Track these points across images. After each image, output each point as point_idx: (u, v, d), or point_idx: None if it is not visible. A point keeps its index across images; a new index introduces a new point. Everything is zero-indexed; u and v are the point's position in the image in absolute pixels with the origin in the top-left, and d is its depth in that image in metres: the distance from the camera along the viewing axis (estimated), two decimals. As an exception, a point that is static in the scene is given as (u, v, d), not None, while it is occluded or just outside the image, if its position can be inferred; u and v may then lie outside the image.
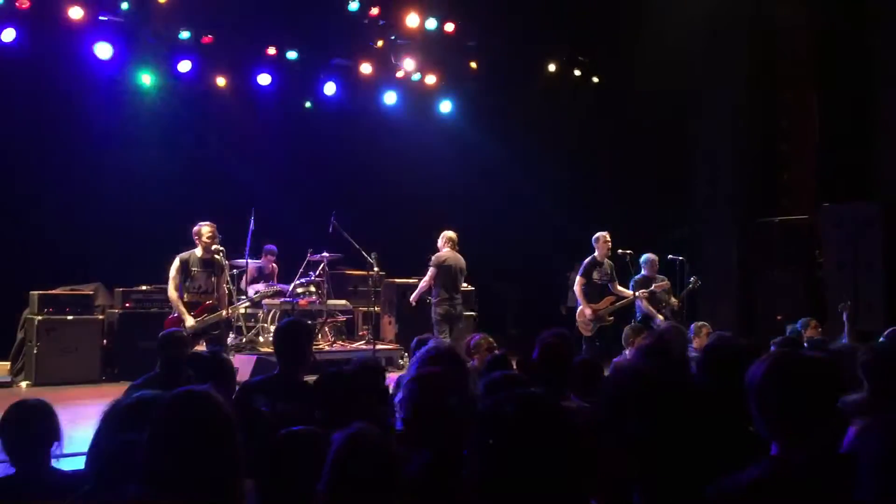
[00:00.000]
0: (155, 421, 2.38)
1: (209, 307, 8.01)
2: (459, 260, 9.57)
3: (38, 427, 3.23)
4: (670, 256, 10.18)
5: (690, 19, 12.43)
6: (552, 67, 13.74)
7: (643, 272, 9.82)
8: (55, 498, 2.94)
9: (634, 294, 9.62)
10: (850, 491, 2.18)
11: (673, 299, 9.84)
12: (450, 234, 9.62)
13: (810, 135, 12.11)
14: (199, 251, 8.06)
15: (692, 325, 8.36)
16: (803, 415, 2.35)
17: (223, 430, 2.39)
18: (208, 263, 8.08)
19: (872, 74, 11.47)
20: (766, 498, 2.24)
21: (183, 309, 7.91)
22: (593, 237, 9.90)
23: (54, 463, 3.27)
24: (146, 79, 11.19)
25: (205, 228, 8.07)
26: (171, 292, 8.03)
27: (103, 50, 10.65)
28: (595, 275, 9.77)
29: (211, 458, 2.32)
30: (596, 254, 9.82)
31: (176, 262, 8.02)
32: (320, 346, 10.43)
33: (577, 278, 9.87)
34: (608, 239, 9.84)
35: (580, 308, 9.80)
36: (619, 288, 9.85)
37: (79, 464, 3.56)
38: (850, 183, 11.37)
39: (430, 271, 9.43)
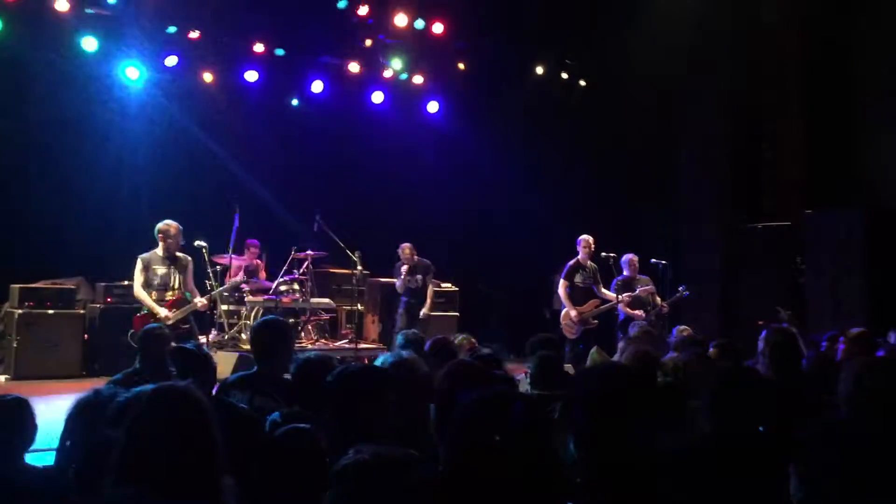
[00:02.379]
0: (134, 417, 2.36)
1: (176, 301, 7.98)
2: None
3: (13, 425, 3.20)
4: (653, 260, 10.23)
5: (676, 23, 12.46)
6: (540, 70, 13.76)
7: (624, 272, 9.87)
8: (30, 497, 2.92)
9: (618, 298, 9.66)
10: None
11: (659, 300, 9.87)
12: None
13: (795, 141, 12.18)
14: (160, 250, 8.05)
15: (674, 329, 8.40)
16: None
17: (203, 427, 2.38)
18: (171, 260, 8.07)
19: (857, 79, 11.56)
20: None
21: (152, 303, 7.88)
22: (577, 240, 9.96)
23: (28, 458, 3.25)
24: (132, 73, 11.13)
25: (171, 228, 8.05)
26: (137, 290, 8.02)
27: (89, 43, 10.59)
28: (577, 278, 9.84)
29: (190, 454, 2.31)
30: (579, 256, 9.88)
31: (138, 263, 8.03)
32: (303, 345, 10.41)
33: (561, 281, 9.93)
34: (591, 242, 9.90)
35: (564, 311, 9.85)
36: (604, 291, 9.89)
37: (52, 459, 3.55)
38: (835, 189, 11.44)
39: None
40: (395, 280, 10.61)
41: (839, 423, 2.99)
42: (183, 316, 7.98)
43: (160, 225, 8.07)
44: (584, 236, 9.97)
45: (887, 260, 10.42)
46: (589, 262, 9.92)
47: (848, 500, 2.58)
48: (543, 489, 1.88)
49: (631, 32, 12.65)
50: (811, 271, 11.16)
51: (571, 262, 9.92)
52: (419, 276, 10.50)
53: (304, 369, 4.06)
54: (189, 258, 8.29)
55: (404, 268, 10.47)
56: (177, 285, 8.03)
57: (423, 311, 10.46)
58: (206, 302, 8.43)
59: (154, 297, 7.94)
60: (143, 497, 2.18)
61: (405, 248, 10.48)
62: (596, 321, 9.71)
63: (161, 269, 8.00)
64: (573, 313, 9.72)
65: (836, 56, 11.73)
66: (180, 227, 8.11)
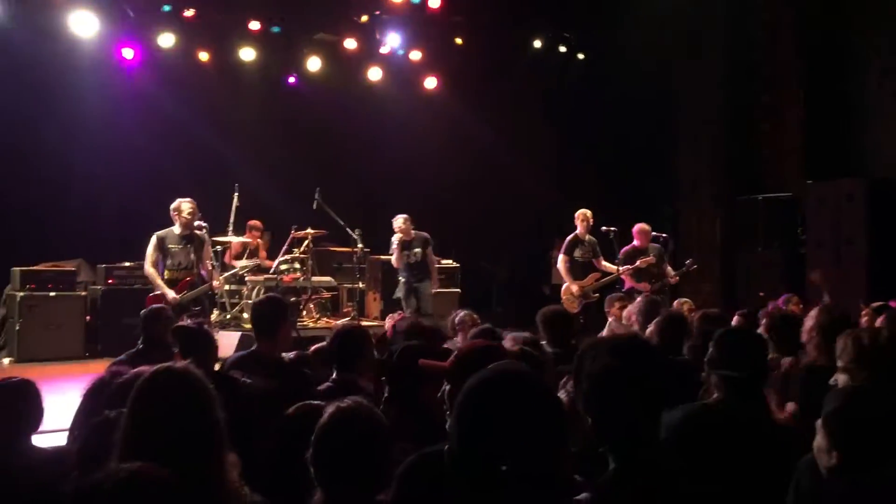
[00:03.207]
0: (135, 398, 2.38)
1: (189, 283, 7.96)
2: None
3: (21, 407, 3.20)
4: (654, 233, 10.22)
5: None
6: (538, 44, 13.68)
7: (634, 242, 9.86)
8: (37, 477, 2.93)
9: (618, 270, 9.66)
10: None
11: (670, 270, 9.84)
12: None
13: (794, 112, 12.13)
14: (177, 228, 7.97)
15: (674, 302, 8.40)
16: None
17: (204, 406, 2.40)
18: (188, 239, 7.99)
19: (857, 49, 11.49)
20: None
21: (161, 283, 7.84)
22: (575, 214, 9.96)
23: (35, 440, 3.25)
24: (128, 53, 11.05)
25: (184, 204, 7.97)
26: (148, 268, 7.94)
27: (84, 24, 10.51)
28: (577, 252, 9.85)
29: (192, 433, 2.32)
30: (577, 231, 9.88)
31: (153, 240, 7.92)
32: (305, 323, 10.43)
33: (561, 256, 9.93)
34: (588, 216, 9.90)
35: (566, 285, 9.86)
36: (604, 264, 9.89)
37: (61, 440, 3.55)
38: (835, 160, 11.41)
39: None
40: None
41: None
42: (196, 296, 7.97)
43: (174, 203, 8.02)
44: (582, 210, 9.96)
45: (888, 230, 10.41)
46: (588, 236, 9.91)
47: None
48: (553, 468, 1.88)
49: (629, 5, 12.57)
50: (812, 242, 11.15)
51: (570, 237, 9.92)
52: (417, 251, 10.01)
53: (342, 339, 4.15)
54: (206, 237, 8.26)
55: (395, 241, 10.01)
56: (192, 265, 7.99)
57: (433, 290, 10.16)
58: (222, 282, 8.42)
59: (167, 277, 7.88)
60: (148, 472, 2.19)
61: (398, 220, 10.02)
62: (597, 295, 9.69)
63: (176, 248, 7.93)
64: (574, 288, 9.73)
65: (834, 26, 11.66)
66: (195, 204, 8.02)
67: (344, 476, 2.28)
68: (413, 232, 10.07)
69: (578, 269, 9.84)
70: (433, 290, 10.14)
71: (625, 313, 6.76)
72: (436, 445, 2.56)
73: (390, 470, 2.32)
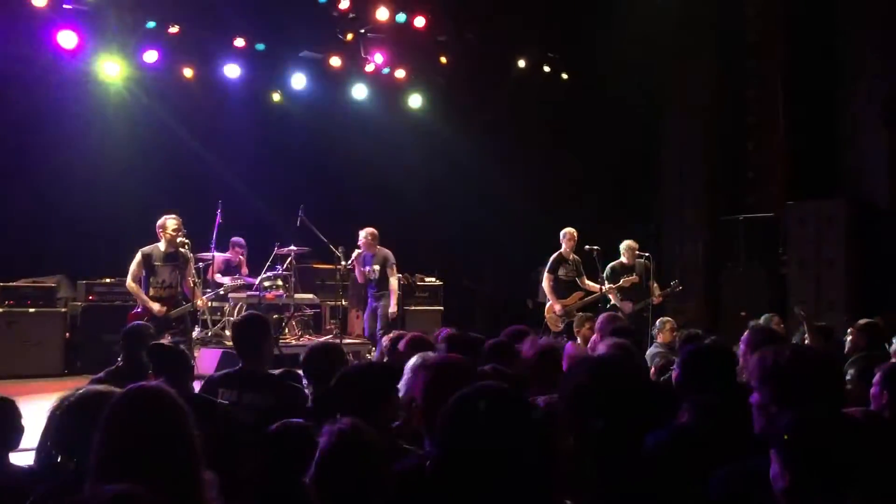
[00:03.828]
0: (107, 417, 2.36)
1: (175, 301, 7.91)
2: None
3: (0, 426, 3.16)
4: (637, 252, 10.25)
5: (659, 18, 12.50)
6: (522, 63, 13.75)
7: (621, 259, 9.90)
8: (15, 496, 2.89)
9: (601, 289, 9.69)
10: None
11: (655, 289, 9.86)
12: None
13: (777, 133, 12.25)
14: (162, 245, 7.93)
15: (657, 321, 8.43)
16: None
17: (177, 424, 2.38)
18: (172, 257, 7.94)
19: (838, 72, 11.63)
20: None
21: (145, 297, 7.79)
22: (561, 233, 9.99)
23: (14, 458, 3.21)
24: (111, 69, 11.02)
25: (170, 221, 7.93)
26: (130, 283, 7.90)
27: (67, 38, 10.46)
28: (561, 271, 9.90)
29: (166, 452, 2.31)
30: (562, 249, 9.92)
31: (137, 257, 7.88)
32: (287, 340, 10.38)
33: (545, 275, 9.97)
34: (574, 235, 9.96)
35: (549, 304, 9.90)
36: (588, 283, 9.94)
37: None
38: (817, 181, 11.52)
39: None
40: None
41: None
42: (180, 315, 7.92)
43: (160, 220, 7.98)
44: (568, 229, 10.01)
45: (868, 251, 10.51)
46: (572, 255, 9.96)
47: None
48: (537, 484, 1.87)
49: (614, 26, 12.67)
50: (794, 262, 11.24)
51: (555, 256, 9.96)
52: (375, 268, 9.87)
53: (315, 356, 4.19)
54: (190, 255, 8.21)
55: (354, 255, 9.84)
56: (177, 283, 7.94)
57: (391, 311, 9.80)
58: (205, 301, 8.39)
59: (152, 295, 7.83)
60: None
61: (362, 234, 9.81)
62: (579, 314, 9.72)
63: (162, 266, 7.89)
64: (557, 307, 9.77)
65: (818, 50, 11.79)
66: (180, 220, 7.98)
67: (349, 498, 2.28)
68: (377, 248, 9.96)
69: (562, 288, 9.88)
70: (392, 310, 9.83)
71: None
72: (409, 459, 2.56)
73: (388, 488, 2.32)
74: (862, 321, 6.37)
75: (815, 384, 2.57)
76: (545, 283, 9.95)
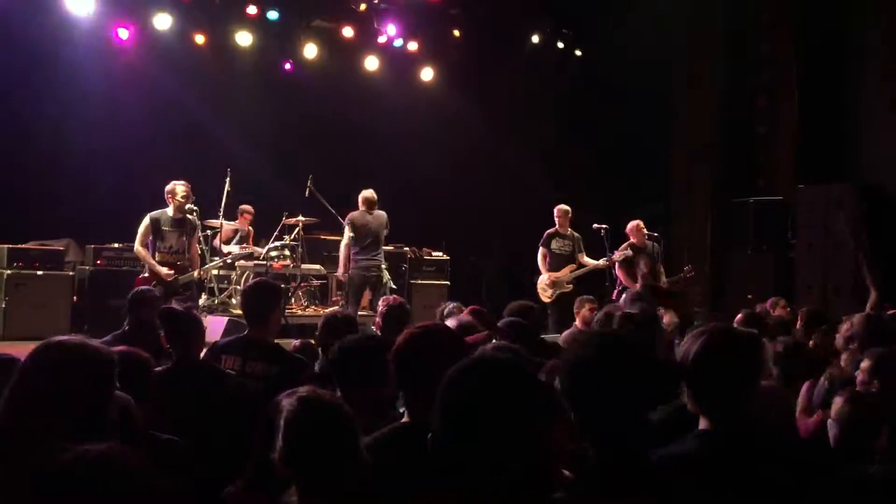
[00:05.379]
0: (21, 369, 2.41)
1: (182, 268, 7.94)
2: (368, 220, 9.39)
3: (3, 384, 3.17)
4: (646, 233, 10.22)
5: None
6: (536, 39, 13.66)
7: (630, 240, 9.91)
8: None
9: (596, 263, 9.83)
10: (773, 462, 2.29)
11: (664, 279, 9.84)
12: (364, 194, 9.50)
13: (788, 117, 12.16)
14: (170, 210, 7.93)
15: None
16: (734, 389, 2.46)
17: (98, 381, 2.38)
18: (180, 223, 7.95)
19: (855, 54, 11.53)
20: (699, 469, 2.32)
21: (153, 262, 7.79)
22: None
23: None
24: (123, 34, 10.98)
25: (179, 187, 7.92)
26: (138, 248, 7.89)
27: (80, 3, 10.43)
28: (554, 244, 10.01)
29: (85, 409, 2.31)
30: (557, 225, 9.99)
31: (146, 221, 7.87)
32: (293, 311, 10.40)
33: (540, 249, 10.04)
34: (565, 211, 10.05)
35: (541, 276, 10.01)
36: (585, 259, 10.00)
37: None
38: (827, 165, 11.45)
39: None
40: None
41: None
42: (187, 281, 7.94)
43: (169, 185, 7.97)
44: (559, 206, 10.10)
45: (877, 235, 10.45)
46: (570, 231, 10.03)
47: None
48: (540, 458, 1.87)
49: (628, 4, 12.56)
50: (802, 247, 11.20)
51: (549, 231, 10.09)
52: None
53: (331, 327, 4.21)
54: (197, 222, 8.19)
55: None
56: (184, 249, 7.95)
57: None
58: (202, 272, 8.42)
59: (159, 260, 7.82)
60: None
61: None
62: (570, 285, 9.83)
63: (170, 232, 7.88)
64: (545, 277, 9.87)
65: (832, 31, 11.68)
66: (188, 187, 7.95)
67: (316, 466, 2.22)
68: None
69: (557, 261, 9.99)
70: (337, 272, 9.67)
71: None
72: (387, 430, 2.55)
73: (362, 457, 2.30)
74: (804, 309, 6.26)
75: None
76: (539, 257, 10.05)
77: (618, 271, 9.72)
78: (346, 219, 9.42)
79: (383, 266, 9.46)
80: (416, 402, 2.61)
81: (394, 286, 9.70)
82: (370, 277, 9.32)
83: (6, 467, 2.05)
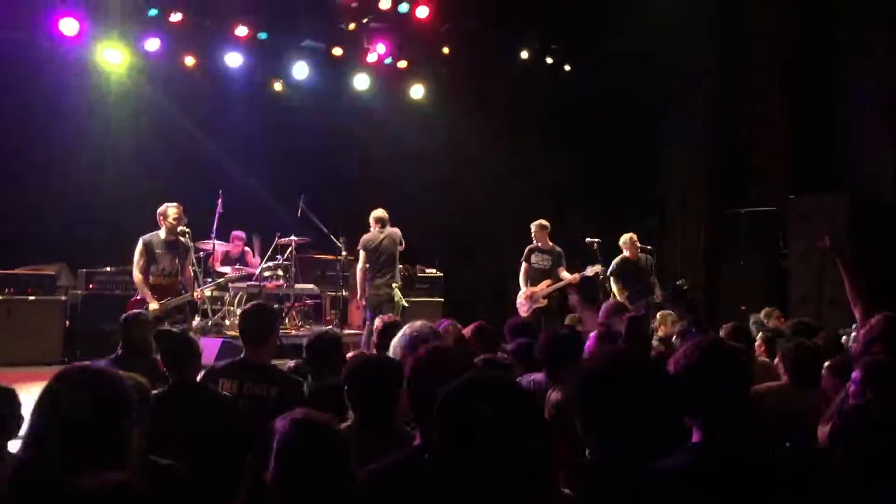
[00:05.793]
0: (42, 396, 2.32)
1: (174, 290, 7.91)
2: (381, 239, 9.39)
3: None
4: (640, 246, 10.23)
5: (661, 11, 12.44)
6: (525, 54, 13.71)
7: (624, 254, 9.92)
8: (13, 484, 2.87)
9: (570, 278, 9.83)
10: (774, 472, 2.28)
11: (658, 291, 9.85)
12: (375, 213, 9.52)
13: (780, 127, 12.21)
14: (162, 233, 7.93)
15: (658, 314, 8.43)
16: (724, 402, 2.48)
17: (116, 408, 2.32)
18: (173, 245, 7.95)
19: (841, 64, 11.58)
20: (692, 482, 2.31)
21: (148, 291, 7.79)
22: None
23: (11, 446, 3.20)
24: (113, 56, 10.99)
25: (171, 209, 7.93)
26: (136, 275, 7.88)
27: (69, 26, 10.43)
28: (534, 259, 10.05)
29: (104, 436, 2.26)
30: (534, 240, 10.06)
31: (139, 245, 7.86)
32: (287, 331, 10.38)
33: (522, 264, 10.10)
34: (541, 226, 10.08)
35: (521, 291, 10.06)
36: (564, 273, 9.98)
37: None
38: (819, 175, 11.48)
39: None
40: None
41: None
42: (179, 304, 7.91)
43: (161, 207, 7.96)
44: (535, 222, 10.14)
45: (870, 245, 10.46)
46: (551, 245, 10.04)
47: None
48: (539, 477, 1.86)
49: (616, 17, 12.61)
50: (795, 257, 11.21)
51: (530, 246, 10.12)
52: None
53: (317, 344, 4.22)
54: (190, 244, 8.22)
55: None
56: (177, 272, 7.94)
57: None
58: (202, 293, 8.39)
59: (153, 282, 7.82)
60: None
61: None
62: (545, 300, 9.85)
63: (163, 254, 7.88)
64: (523, 291, 9.95)
65: (821, 41, 11.75)
66: (181, 208, 7.97)
67: (306, 489, 2.20)
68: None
69: (537, 276, 10.00)
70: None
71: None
72: (398, 454, 2.53)
73: (354, 480, 2.27)
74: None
75: None
76: (521, 272, 10.11)
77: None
78: (359, 244, 9.42)
79: (394, 285, 9.38)
80: (426, 423, 2.57)
81: (406, 304, 9.63)
82: (382, 297, 9.28)
83: (31, 495, 2.03)
